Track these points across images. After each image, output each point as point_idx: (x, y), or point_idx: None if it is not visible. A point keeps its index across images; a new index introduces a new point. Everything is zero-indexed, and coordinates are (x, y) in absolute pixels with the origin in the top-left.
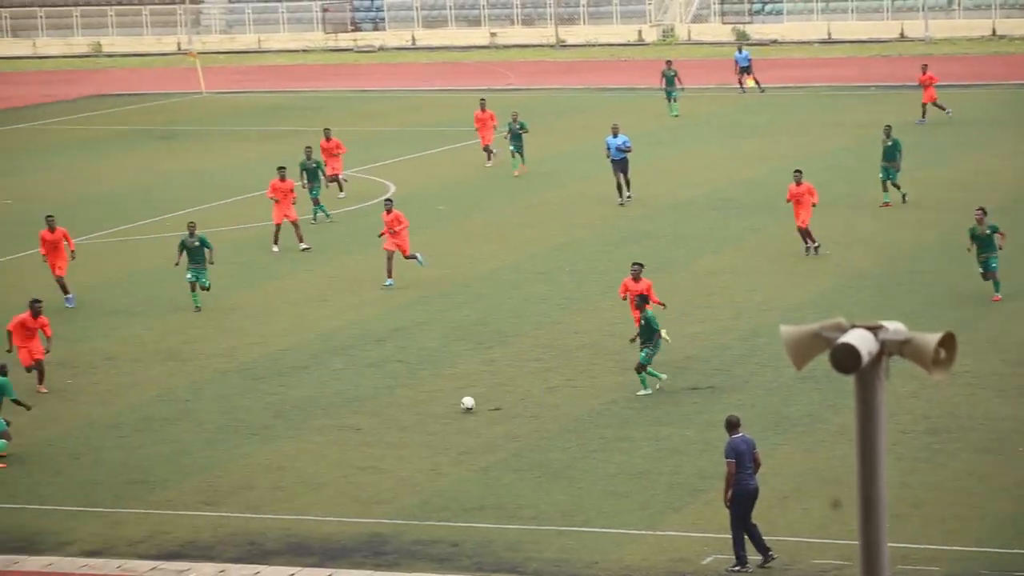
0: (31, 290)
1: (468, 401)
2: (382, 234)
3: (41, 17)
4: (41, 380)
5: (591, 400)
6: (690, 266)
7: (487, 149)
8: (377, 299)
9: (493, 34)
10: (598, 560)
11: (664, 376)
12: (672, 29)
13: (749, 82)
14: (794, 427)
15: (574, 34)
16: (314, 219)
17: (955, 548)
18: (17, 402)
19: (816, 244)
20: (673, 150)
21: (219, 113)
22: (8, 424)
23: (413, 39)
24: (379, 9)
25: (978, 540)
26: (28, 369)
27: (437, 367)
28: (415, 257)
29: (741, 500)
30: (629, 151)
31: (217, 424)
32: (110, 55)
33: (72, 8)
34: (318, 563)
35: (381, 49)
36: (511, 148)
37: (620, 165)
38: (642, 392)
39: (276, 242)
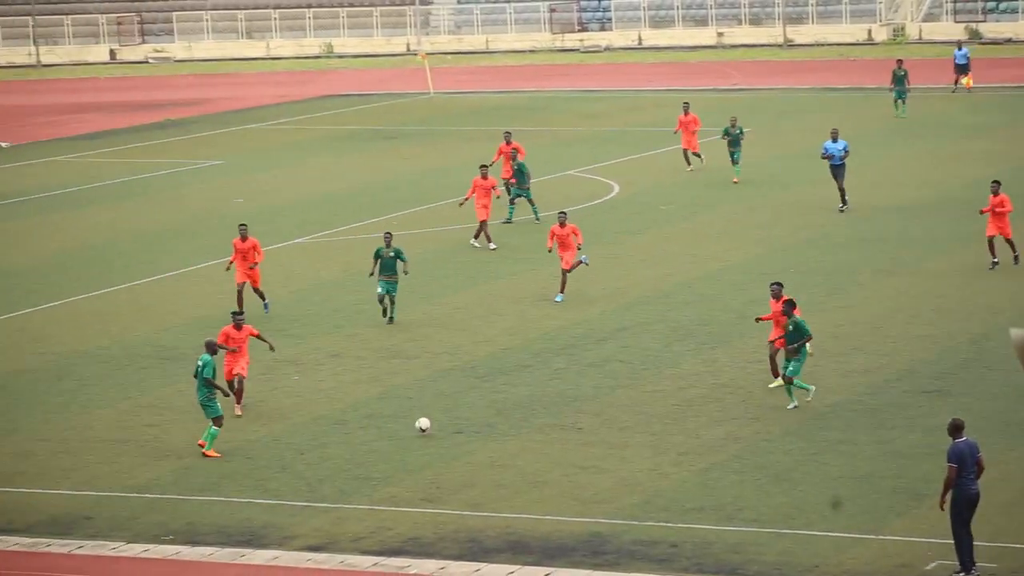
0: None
1: (424, 422)
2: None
3: (275, 19)
4: (239, 399)
5: (814, 402)
6: (918, 268)
7: (696, 154)
8: (600, 299)
9: (720, 34)
10: (818, 564)
11: (813, 388)
12: (903, 28)
13: (965, 81)
14: (1022, 433)
15: (802, 33)
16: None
17: None
18: (212, 383)
19: (1016, 254)
20: (900, 151)
21: (446, 113)
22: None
23: (639, 39)
24: (606, 9)
25: None
26: (228, 383)
27: (659, 367)
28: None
29: (963, 505)
30: (847, 156)
31: (440, 422)
32: (340, 56)
33: (305, 10)
34: (537, 562)
35: (607, 49)
36: (731, 154)
37: (838, 171)
38: (791, 406)
39: (476, 237)
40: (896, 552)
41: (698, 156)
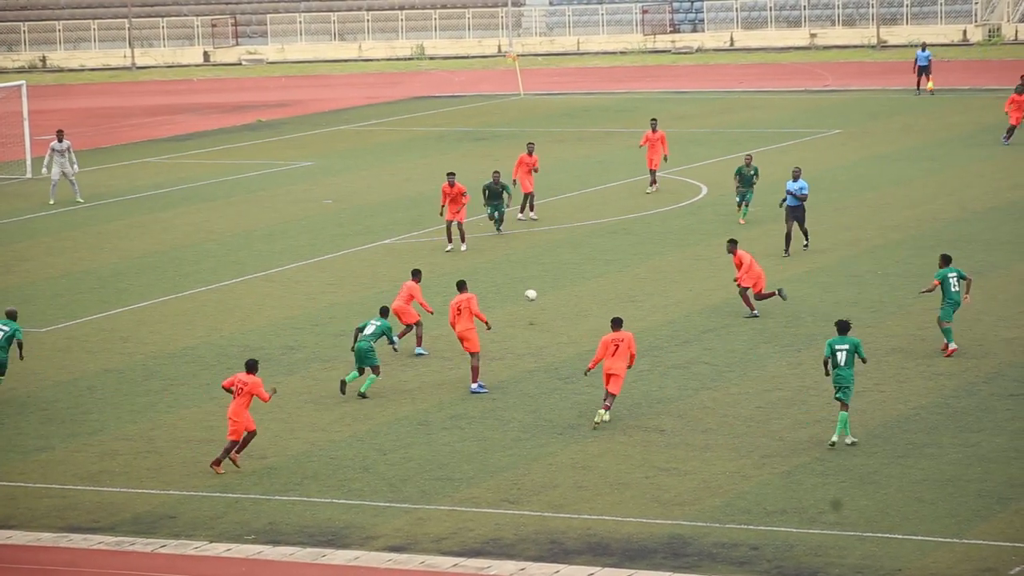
0: (350, 289)
1: (532, 293)
2: None
3: (367, 21)
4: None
5: (899, 405)
6: (1008, 270)
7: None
8: (685, 300)
9: (813, 35)
10: (901, 567)
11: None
12: (999, 29)
13: (931, 84)
14: None
15: (896, 34)
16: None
17: None
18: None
19: None
20: (992, 151)
21: (536, 114)
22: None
23: (731, 40)
24: (698, 11)
25: None
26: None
27: (744, 369)
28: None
29: None
30: (805, 199)
31: (523, 423)
32: (432, 57)
33: (397, 12)
34: (617, 563)
35: (699, 50)
36: (740, 194)
37: (795, 212)
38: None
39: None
40: (979, 556)
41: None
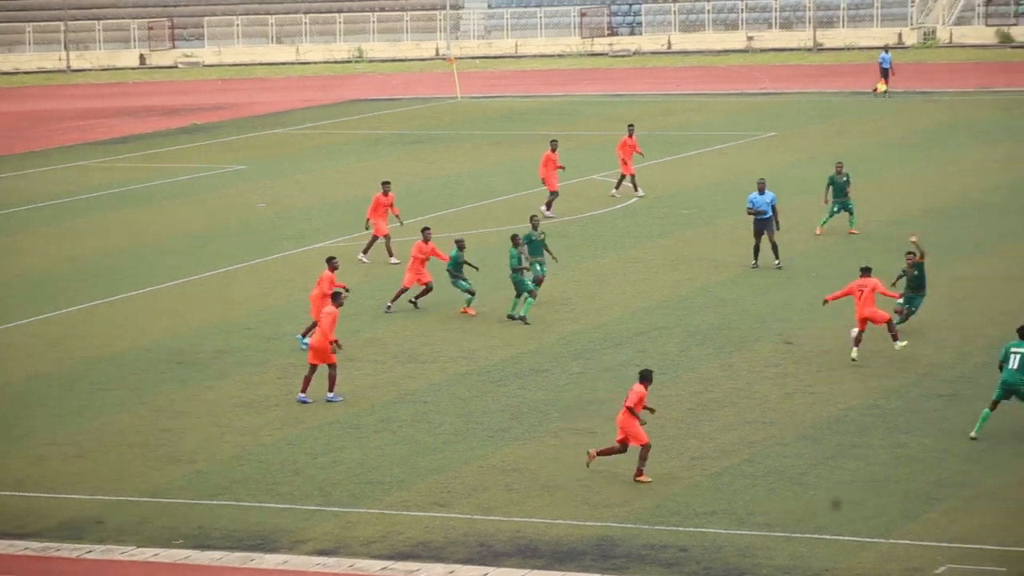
0: (283, 292)
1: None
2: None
3: (305, 24)
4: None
5: (829, 406)
6: (940, 273)
7: (622, 177)
8: (618, 303)
9: (750, 38)
10: (829, 568)
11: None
12: (933, 32)
13: (883, 86)
14: None
15: (832, 37)
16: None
17: None
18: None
19: None
20: (926, 154)
21: (473, 117)
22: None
23: (669, 43)
24: (636, 14)
25: None
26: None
27: (675, 372)
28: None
29: None
30: (767, 215)
31: (454, 426)
32: (370, 60)
33: (335, 15)
34: (546, 565)
35: (636, 53)
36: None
37: (765, 225)
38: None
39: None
40: (906, 556)
41: (619, 184)
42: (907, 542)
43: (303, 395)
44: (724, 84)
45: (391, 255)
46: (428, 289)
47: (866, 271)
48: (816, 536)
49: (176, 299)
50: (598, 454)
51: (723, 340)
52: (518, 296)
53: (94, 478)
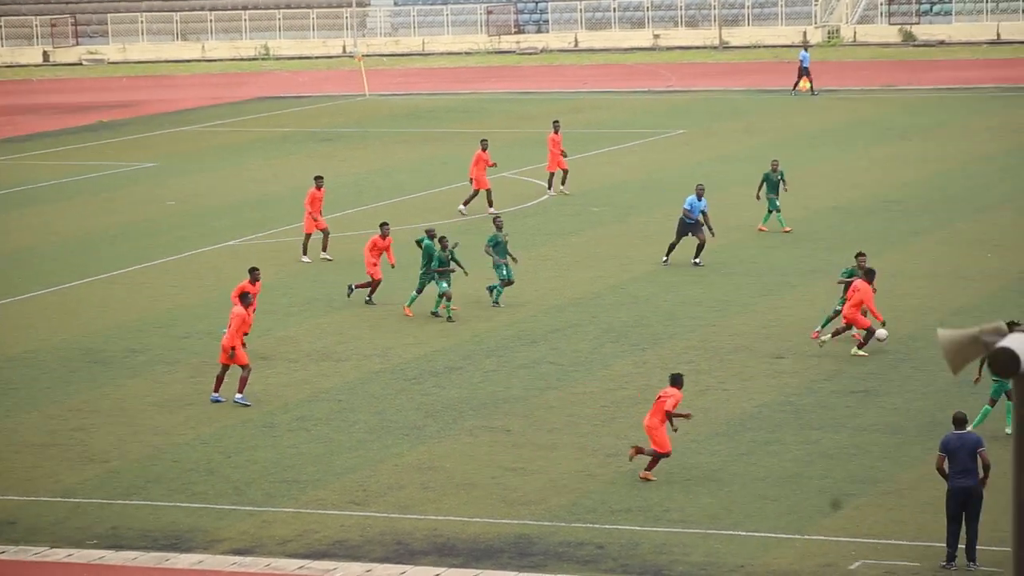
0: (194, 290)
1: (882, 333)
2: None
3: (211, 21)
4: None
5: (743, 403)
6: (829, 269)
7: (551, 174)
8: (532, 301)
9: (656, 36)
10: (744, 564)
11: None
12: (837, 30)
13: (805, 83)
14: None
15: (737, 36)
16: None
17: None
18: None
19: None
20: (834, 151)
21: (381, 115)
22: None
23: (576, 41)
24: (543, 11)
25: None
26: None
27: (589, 369)
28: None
29: (949, 497)
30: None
31: (369, 424)
32: (277, 58)
33: (241, 12)
34: (463, 563)
35: (543, 51)
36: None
37: (693, 228)
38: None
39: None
40: (820, 552)
41: (550, 182)
42: (822, 538)
43: (216, 394)
44: (631, 82)
45: (322, 250)
46: (376, 284)
47: (868, 273)
48: (732, 532)
49: (86, 298)
50: (637, 452)
51: (636, 337)
52: (418, 293)
53: (5, 478)
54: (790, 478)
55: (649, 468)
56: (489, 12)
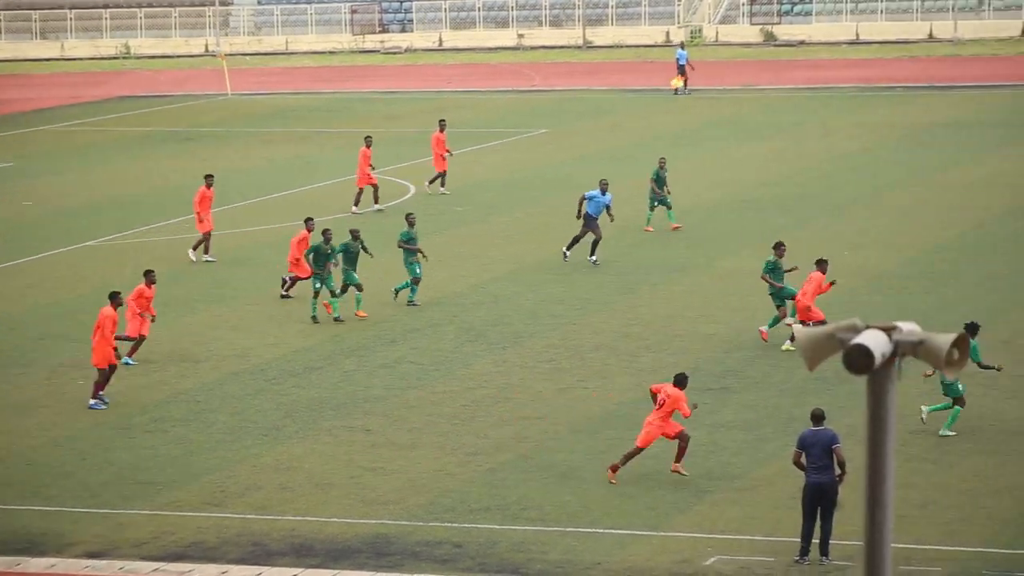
0: (50, 291)
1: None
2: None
3: (71, 19)
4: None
5: (603, 401)
6: (709, 267)
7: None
8: (392, 301)
9: (520, 35)
10: (601, 561)
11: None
12: (700, 30)
13: (677, 82)
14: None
15: (601, 35)
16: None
17: (958, 549)
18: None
19: None
20: (696, 151)
21: (244, 115)
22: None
23: (440, 40)
24: (407, 11)
25: (982, 541)
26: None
27: (450, 368)
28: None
29: (804, 492)
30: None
31: (228, 425)
32: (138, 57)
33: (101, 10)
34: (321, 564)
35: (408, 51)
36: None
37: (591, 223)
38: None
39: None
40: (676, 548)
41: (434, 180)
42: (678, 534)
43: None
44: (495, 81)
45: (205, 251)
46: (297, 279)
47: (820, 263)
48: (589, 530)
49: None
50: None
51: (497, 336)
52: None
53: None
54: (648, 475)
55: (678, 460)
56: (353, 11)
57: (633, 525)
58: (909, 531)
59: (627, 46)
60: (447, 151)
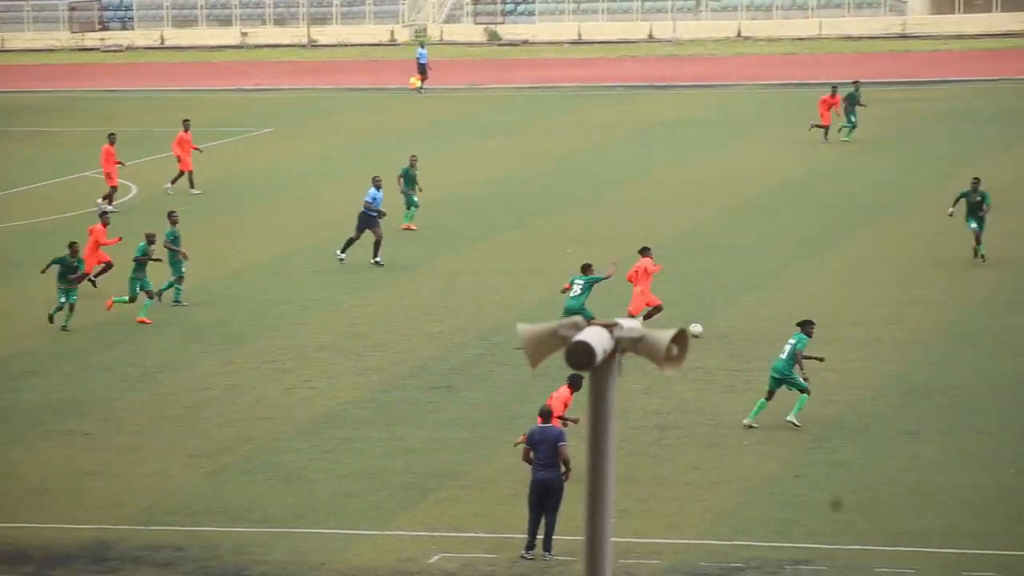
0: None
1: (696, 328)
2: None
3: None
4: None
5: (327, 400)
6: (432, 266)
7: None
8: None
9: (244, 34)
10: (325, 562)
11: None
12: (424, 29)
13: (417, 81)
14: (528, 424)
15: (326, 34)
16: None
17: (678, 541)
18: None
19: None
20: (420, 150)
21: None
22: None
23: (162, 38)
24: (128, 8)
25: (700, 533)
26: None
27: (173, 369)
28: None
29: (531, 488)
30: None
31: None
32: None
33: None
34: (37, 572)
35: (129, 49)
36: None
37: (370, 221)
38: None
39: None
40: (401, 547)
41: (191, 181)
42: (403, 533)
43: None
44: (219, 80)
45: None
46: (109, 267)
47: (643, 251)
48: (314, 531)
49: None
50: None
51: (221, 337)
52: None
53: None
54: (373, 474)
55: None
56: (72, 9)
57: (358, 525)
58: (630, 524)
59: (352, 45)
60: (196, 148)
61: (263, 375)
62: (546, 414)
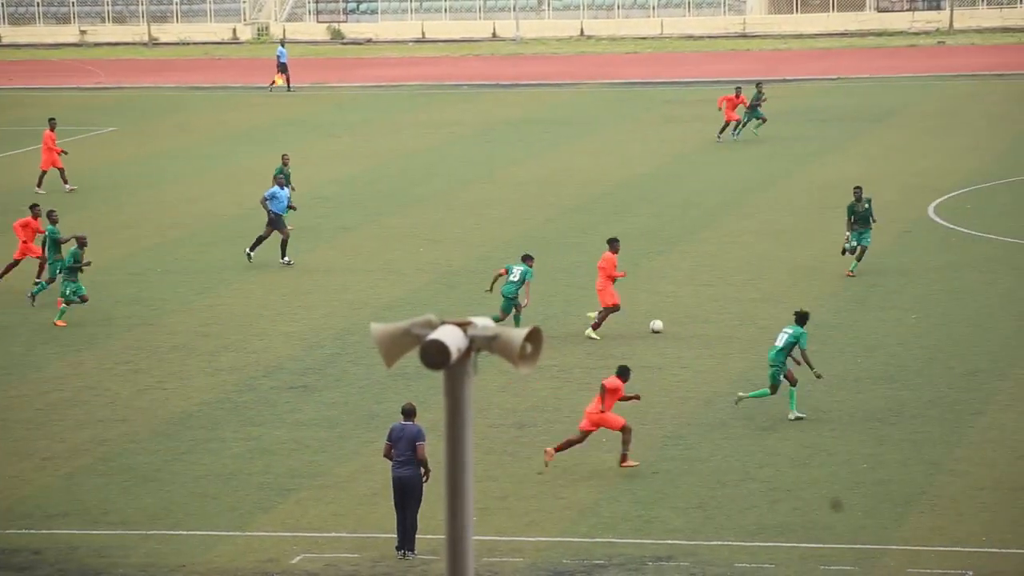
0: None
1: (657, 324)
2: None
3: None
4: None
5: (181, 401)
6: (275, 265)
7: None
8: None
9: (83, 31)
10: (185, 563)
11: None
12: (267, 27)
13: (280, 80)
14: (386, 424)
15: (167, 32)
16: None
17: (539, 539)
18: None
19: None
20: (266, 148)
21: None
22: None
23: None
24: None
25: (561, 530)
26: None
27: (22, 372)
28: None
29: (393, 486)
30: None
31: None
32: None
33: None
34: None
35: None
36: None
37: (278, 221)
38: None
39: None
40: (261, 548)
41: (40, 180)
42: (263, 533)
43: None
44: (59, 79)
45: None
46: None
47: (611, 242)
48: (172, 532)
49: None
50: (556, 451)
51: (71, 337)
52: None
53: None
54: (231, 475)
55: (625, 452)
56: None
57: (218, 526)
58: (491, 523)
59: (194, 43)
60: (61, 150)
61: (116, 376)
62: (408, 412)
